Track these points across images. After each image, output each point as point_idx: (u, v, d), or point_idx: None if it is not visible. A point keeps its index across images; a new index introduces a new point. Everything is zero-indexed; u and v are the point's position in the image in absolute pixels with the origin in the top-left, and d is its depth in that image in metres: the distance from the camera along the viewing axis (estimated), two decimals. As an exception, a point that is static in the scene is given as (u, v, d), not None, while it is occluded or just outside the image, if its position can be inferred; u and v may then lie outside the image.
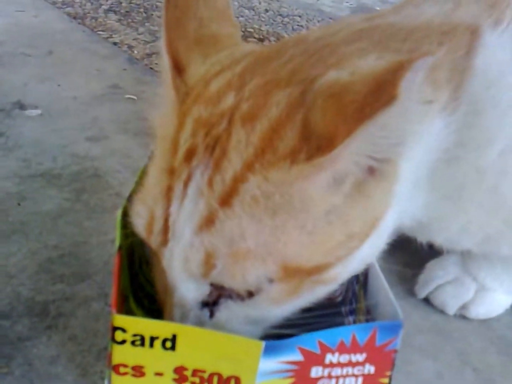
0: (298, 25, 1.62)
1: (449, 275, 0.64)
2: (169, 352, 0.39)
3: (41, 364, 0.53)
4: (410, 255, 0.63)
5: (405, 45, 0.44)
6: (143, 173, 0.46)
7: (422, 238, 0.56)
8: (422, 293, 0.65)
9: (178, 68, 0.44)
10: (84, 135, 0.94)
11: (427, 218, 0.50)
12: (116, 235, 0.46)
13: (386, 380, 0.43)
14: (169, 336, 0.39)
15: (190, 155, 0.40)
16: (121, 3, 1.64)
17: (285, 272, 0.39)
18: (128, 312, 0.46)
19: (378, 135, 0.36)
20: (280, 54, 0.44)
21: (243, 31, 1.48)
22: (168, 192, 0.40)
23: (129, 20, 1.51)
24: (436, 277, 0.64)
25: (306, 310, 0.45)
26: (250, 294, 0.41)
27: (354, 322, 0.50)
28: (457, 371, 0.58)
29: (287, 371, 0.41)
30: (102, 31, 1.42)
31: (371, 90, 0.34)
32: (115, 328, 0.39)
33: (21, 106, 1.01)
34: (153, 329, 0.39)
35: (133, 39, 1.38)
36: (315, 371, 0.41)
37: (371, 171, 0.39)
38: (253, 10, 1.70)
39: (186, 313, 0.42)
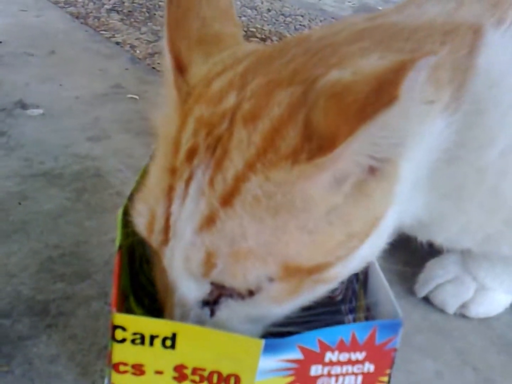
0: (300, 24, 1.62)
1: (449, 274, 0.64)
2: (169, 351, 0.40)
3: (41, 363, 0.53)
4: (410, 254, 0.63)
5: (408, 45, 0.44)
6: (144, 173, 0.46)
7: (422, 237, 0.56)
8: (422, 292, 0.65)
9: (180, 68, 0.44)
10: (86, 134, 0.94)
11: (428, 218, 0.50)
12: (117, 234, 0.46)
13: (385, 378, 0.43)
14: (169, 334, 0.39)
15: (191, 154, 0.40)
16: (123, 2, 1.64)
17: (285, 272, 0.39)
18: (129, 311, 0.46)
19: (380, 135, 0.36)
20: (282, 54, 0.44)
21: (245, 31, 1.48)
22: (170, 192, 0.40)
23: (132, 20, 1.51)
24: (436, 276, 0.65)
25: (306, 308, 0.45)
26: (251, 293, 0.41)
27: (354, 320, 0.50)
28: (457, 370, 0.58)
29: (287, 369, 0.41)
30: (105, 30, 1.42)
31: (373, 90, 0.34)
32: (115, 327, 0.39)
33: (23, 106, 1.01)
34: (153, 327, 0.39)
35: (136, 39, 1.39)
36: (315, 370, 0.41)
37: (372, 171, 0.39)
38: (256, 9, 1.71)
39: (186, 312, 0.43)
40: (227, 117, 0.40)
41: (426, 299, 0.65)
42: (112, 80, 1.15)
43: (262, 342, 0.38)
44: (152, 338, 0.39)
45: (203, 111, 0.41)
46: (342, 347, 0.41)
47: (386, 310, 0.45)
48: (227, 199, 0.38)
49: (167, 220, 0.40)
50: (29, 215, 0.73)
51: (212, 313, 0.43)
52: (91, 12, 1.54)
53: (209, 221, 0.39)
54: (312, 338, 0.40)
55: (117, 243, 0.46)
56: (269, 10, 1.71)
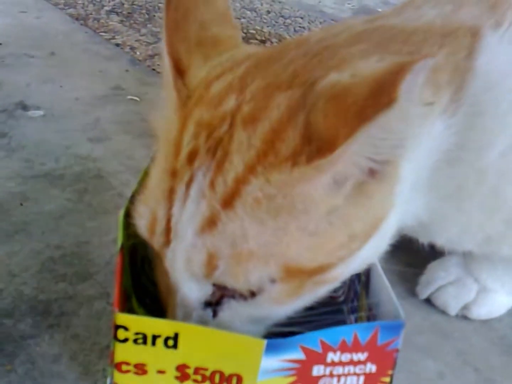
0: (300, 26, 1.62)
1: (451, 276, 0.64)
2: (171, 350, 0.40)
3: (43, 362, 0.54)
4: (412, 255, 0.64)
5: (406, 47, 0.44)
6: (145, 174, 0.46)
7: (424, 239, 0.56)
8: (424, 293, 0.65)
9: (179, 71, 0.44)
10: (87, 136, 0.94)
11: (428, 219, 0.50)
12: (118, 235, 0.47)
13: (387, 379, 0.43)
14: (171, 334, 0.39)
15: (192, 157, 0.40)
16: (123, 4, 1.64)
17: (287, 273, 0.40)
18: (131, 311, 0.46)
19: (379, 136, 0.36)
20: (281, 56, 0.44)
21: (245, 33, 1.48)
22: (170, 194, 0.40)
23: (131, 22, 1.52)
24: (438, 278, 0.65)
25: (308, 308, 0.45)
26: (253, 294, 0.41)
27: (356, 320, 0.50)
28: (458, 371, 0.58)
29: (289, 369, 0.41)
30: (105, 32, 1.42)
31: (372, 92, 0.34)
32: (117, 327, 0.39)
33: (24, 107, 1.01)
34: (155, 327, 0.39)
35: (136, 40, 1.39)
36: (317, 370, 0.42)
37: (372, 172, 0.39)
38: (255, 11, 1.71)
39: (189, 313, 0.43)
40: (227, 119, 0.40)
41: (428, 300, 0.65)
42: (112, 82, 1.15)
43: (264, 342, 0.39)
44: (154, 338, 0.39)
45: (203, 113, 0.41)
46: (344, 348, 0.41)
47: (388, 311, 0.45)
48: (228, 201, 0.38)
49: (168, 222, 0.40)
50: (30, 215, 0.73)
51: (215, 314, 0.43)
52: (91, 14, 1.54)
53: (210, 223, 0.39)
54: (314, 339, 0.40)
55: (119, 243, 0.46)
56: (268, 12, 1.71)
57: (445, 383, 0.57)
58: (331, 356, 0.41)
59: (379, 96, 0.33)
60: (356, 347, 0.41)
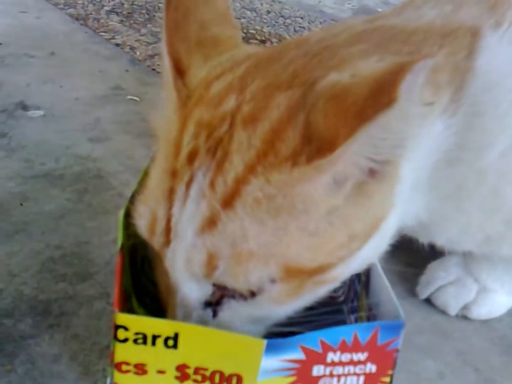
0: (300, 26, 1.62)
1: (451, 276, 0.65)
2: (171, 350, 0.40)
3: (43, 362, 0.54)
4: (412, 256, 0.64)
5: (406, 47, 0.44)
6: (145, 174, 0.46)
7: (424, 239, 0.56)
8: (424, 293, 0.65)
9: (179, 71, 0.44)
10: (87, 136, 0.94)
11: (428, 219, 0.50)
12: (118, 235, 0.47)
13: (387, 379, 0.43)
14: (171, 334, 0.39)
15: (192, 157, 0.40)
16: (123, 4, 1.64)
17: (287, 273, 0.40)
18: (130, 311, 0.46)
19: (379, 136, 0.36)
20: (281, 56, 0.44)
21: (245, 33, 1.48)
22: (170, 194, 0.41)
23: (131, 22, 1.52)
24: (438, 278, 0.65)
25: (308, 308, 0.45)
26: (253, 294, 0.41)
27: (356, 320, 0.50)
28: (458, 371, 0.58)
29: (289, 369, 0.41)
30: (104, 32, 1.42)
31: (372, 92, 0.34)
32: (117, 327, 0.39)
33: (24, 107, 1.01)
34: (155, 327, 0.39)
35: (135, 40, 1.39)
36: (317, 370, 0.42)
37: (372, 172, 0.39)
38: (255, 11, 1.71)
39: (189, 313, 0.43)
40: (227, 119, 0.40)
41: (428, 300, 0.65)
42: (112, 82, 1.15)
43: (264, 342, 0.39)
44: (154, 338, 0.39)
45: (203, 113, 0.41)
46: (344, 348, 0.41)
47: (388, 311, 0.45)
48: (228, 201, 0.38)
49: (168, 222, 0.40)
50: (30, 215, 0.73)
51: (215, 314, 0.43)
52: (90, 14, 1.54)
53: (210, 223, 0.39)
54: (314, 339, 0.40)
55: (119, 243, 0.46)
56: (268, 12, 1.72)
57: (445, 383, 0.57)
58: (331, 356, 0.41)
59: (379, 96, 0.33)
60: (356, 347, 0.41)
